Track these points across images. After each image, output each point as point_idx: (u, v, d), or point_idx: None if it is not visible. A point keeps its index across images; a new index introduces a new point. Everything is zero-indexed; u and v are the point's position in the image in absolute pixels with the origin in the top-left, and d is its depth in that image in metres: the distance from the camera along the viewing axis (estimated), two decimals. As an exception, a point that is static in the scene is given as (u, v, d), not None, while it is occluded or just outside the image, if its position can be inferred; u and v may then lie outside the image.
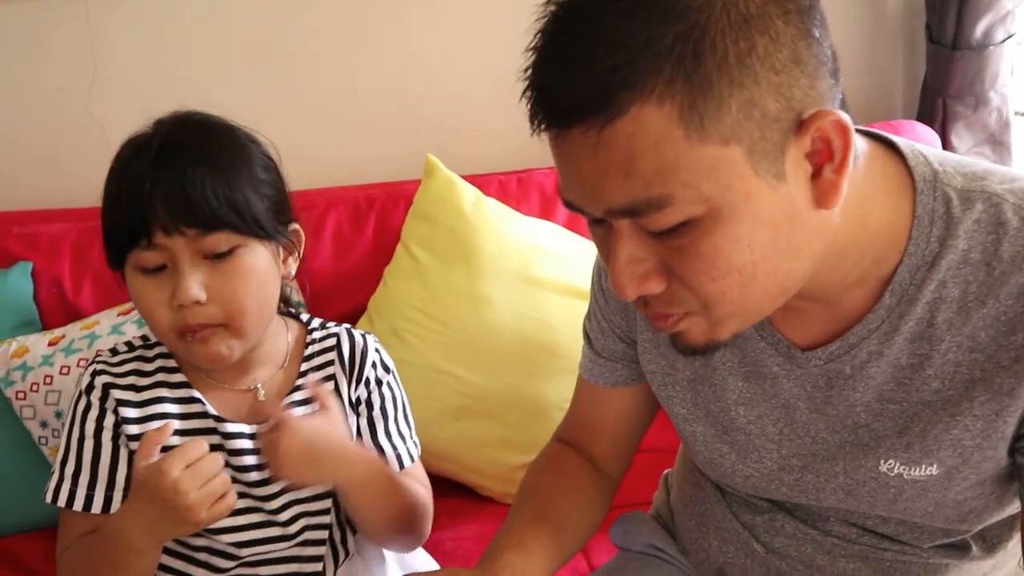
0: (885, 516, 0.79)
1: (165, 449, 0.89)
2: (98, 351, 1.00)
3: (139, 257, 0.87)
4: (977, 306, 0.67)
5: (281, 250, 0.95)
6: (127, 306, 1.44)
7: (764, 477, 0.81)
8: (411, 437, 1.06)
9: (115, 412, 0.95)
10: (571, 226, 1.59)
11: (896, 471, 0.73)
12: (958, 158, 0.72)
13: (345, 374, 1.02)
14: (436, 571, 0.77)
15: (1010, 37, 1.66)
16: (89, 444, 0.94)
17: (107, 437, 0.95)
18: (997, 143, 1.75)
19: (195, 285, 0.85)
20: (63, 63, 1.63)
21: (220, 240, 0.86)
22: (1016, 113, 1.74)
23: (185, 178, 0.84)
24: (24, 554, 1.37)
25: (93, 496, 0.93)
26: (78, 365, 1.37)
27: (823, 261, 0.66)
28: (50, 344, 1.40)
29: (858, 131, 0.66)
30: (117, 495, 0.94)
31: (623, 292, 0.63)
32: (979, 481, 0.73)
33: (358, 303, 1.51)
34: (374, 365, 1.03)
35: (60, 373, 1.37)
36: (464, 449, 1.40)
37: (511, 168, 1.68)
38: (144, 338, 1.01)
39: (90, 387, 0.96)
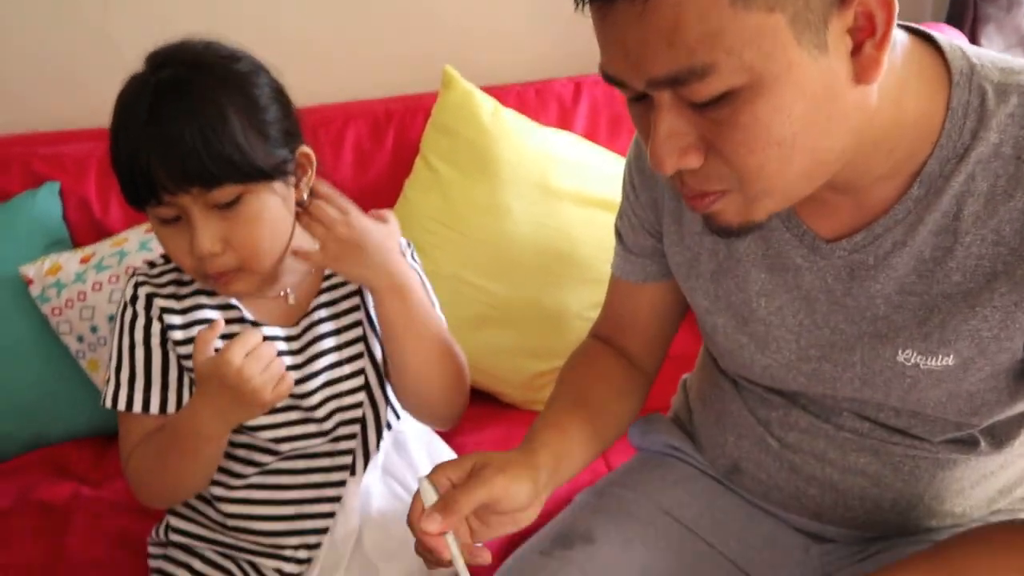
0: (898, 408, 0.81)
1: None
2: (134, 268, 1.04)
3: (154, 211, 0.89)
4: (1004, 199, 0.68)
5: (287, 180, 0.95)
6: (154, 223, 1.47)
7: (782, 367, 0.83)
8: (435, 308, 1.08)
9: (160, 319, 0.99)
10: (590, 136, 1.58)
11: (913, 361, 0.75)
12: (996, 54, 0.72)
13: None
14: (466, 456, 0.80)
15: (1046, -71, 1.60)
16: (140, 351, 0.99)
17: (155, 343, 0.99)
18: (1030, 49, 1.71)
19: (208, 238, 0.88)
20: None
21: (224, 192, 0.87)
22: (1052, 13, 1.70)
23: (178, 141, 0.84)
24: (71, 461, 1.43)
25: (150, 398, 0.98)
26: (109, 281, 1.41)
27: (858, 148, 0.67)
28: (82, 261, 1.43)
29: (897, 25, 0.65)
30: (171, 395, 0.99)
31: (662, 166, 0.64)
32: (993, 373, 0.74)
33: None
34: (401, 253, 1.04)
35: (93, 290, 1.41)
36: (485, 357, 1.43)
37: (529, 79, 1.67)
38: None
39: (134, 298, 1.00)
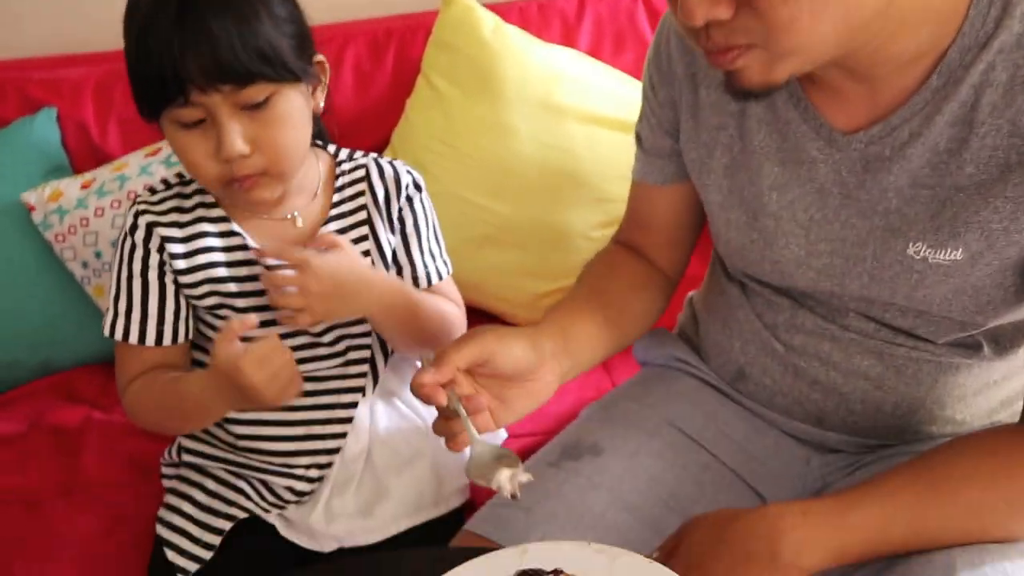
0: (904, 307, 0.80)
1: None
2: (135, 193, 1.02)
3: (176, 114, 0.87)
4: (1023, 90, 0.67)
5: (308, 85, 0.95)
6: (154, 147, 1.46)
7: (791, 263, 0.84)
8: (441, 255, 1.10)
9: (159, 251, 0.98)
10: (593, 53, 1.55)
11: (922, 255, 0.75)
12: None
13: (377, 202, 1.04)
14: (471, 330, 0.81)
15: None
16: (137, 283, 0.99)
17: (153, 276, 0.99)
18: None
19: (238, 139, 0.87)
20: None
21: (256, 91, 0.86)
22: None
23: (213, 35, 0.83)
24: (81, 386, 1.44)
25: (146, 330, 0.98)
26: (111, 206, 1.40)
27: (884, 24, 0.66)
28: (82, 187, 1.42)
29: None
30: (167, 328, 0.99)
31: (692, 15, 0.63)
32: (1000, 268, 0.74)
33: (381, 136, 1.51)
34: (407, 186, 1.05)
35: (95, 215, 1.40)
36: (489, 277, 1.43)
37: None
38: (180, 175, 1.03)
39: (134, 227, 0.99)
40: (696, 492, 0.91)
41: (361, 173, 1.06)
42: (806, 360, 0.89)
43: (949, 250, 0.74)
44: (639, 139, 0.97)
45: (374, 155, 1.08)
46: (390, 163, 1.07)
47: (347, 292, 0.96)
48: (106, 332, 1.00)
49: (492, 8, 1.50)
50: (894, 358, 0.85)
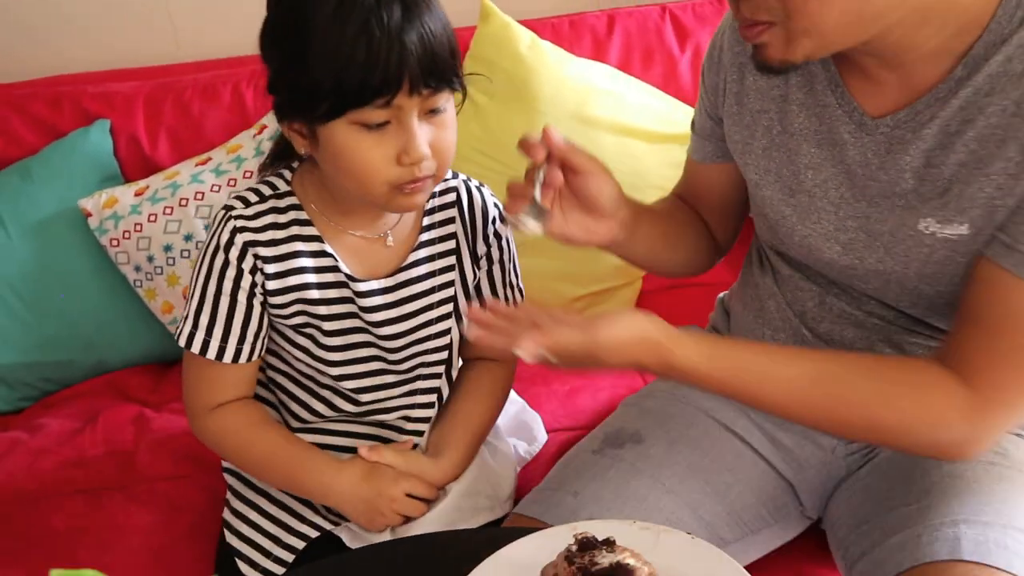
0: (917, 291, 0.86)
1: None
2: (227, 205, 0.97)
3: (365, 114, 0.85)
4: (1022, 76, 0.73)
5: None
6: (204, 156, 1.53)
7: (820, 237, 0.89)
8: (518, 283, 1.12)
9: (253, 272, 0.96)
10: (623, 67, 1.61)
11: (931, 229, 0.81)
12: None
13: (467, 232, 1.04)
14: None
15: None
16: (225, 300, 0.96)
17: (243, 296, 0.97)
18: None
19: (424, 143, 0.87)
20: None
21: (442, 97, 0.88)
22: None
23: (433, 37, 0.84)
24: (132, 386, 1.50)
25: (225, 348, 0.97)
26: (164, 212, 1.47)
27: (905, 17, 0.73)
28: (136, 195, 1.49)
29: None
30: (246, 347, 0.98)
31: None
32: None
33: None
34: (494, 220, 1.06)
35: (148, 221, 1.47)
36: (527, 282, 1.46)
37: (561, 12, 1.70)
38: (271, 185, 0.99)
39: (229, 244, 0.95)
40: (731, 478, 0.96)
41: (452, 197, 1.04)
42: (832, 346, 0.94)
43: (956, 225, 0.79)
44: (693, 124, 1.06)
45: (463, 176, 1.07)
46: (478, 189, 1.07)
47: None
48: (182, 343, 0.98)
49: (526, 24, 1.57)
50: (910, 347, 0.90)
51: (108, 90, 1.61)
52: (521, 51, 1.50)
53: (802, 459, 0.99)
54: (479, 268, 1.07)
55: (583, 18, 1.66)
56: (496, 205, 1.07)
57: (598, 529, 0.73)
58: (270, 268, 0.96)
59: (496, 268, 1.08)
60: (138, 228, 1.47)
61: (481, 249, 1.06)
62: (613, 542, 0.70)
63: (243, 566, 1.03)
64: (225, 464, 1.13)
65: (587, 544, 0.70)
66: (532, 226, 0.91)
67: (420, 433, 1.07)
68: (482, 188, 1.08)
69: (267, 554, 1.03)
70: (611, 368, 0.83)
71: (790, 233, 0.92)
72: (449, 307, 1.04)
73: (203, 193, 1.47)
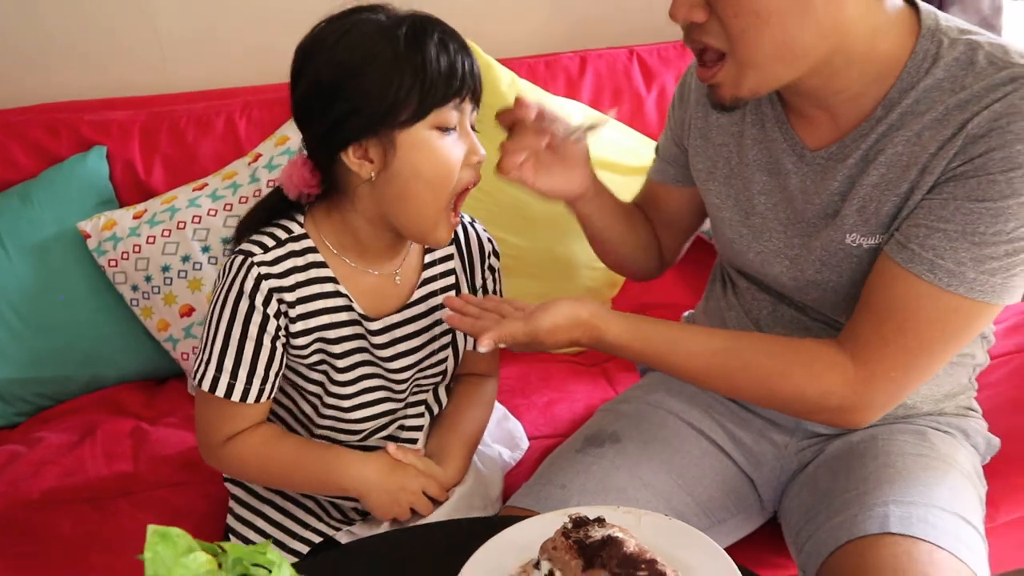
0: (853, 299, 0.98)
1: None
2: (246, 252, 1.00)
3: (443, 115, 0.94)
4: (930, 113, 0.88)
5: None
6: (201, 182, 1.61)
7: (771, 253, 1.02)
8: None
9: (278, 316, 1.00)
10: (594, 104, 1.74)
11: (857, 242, 0.95)
12: (961, 21, 0.92)
13: (465, 267, 1.13)
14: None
15: (1002, -79, 1.78)
16: (250, 345, 1.00)
17: (268, 340, 1.00)
18: (989, 26, 1.88)
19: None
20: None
21: (475, 112, 1.01)
22: (1008, -2, 1.88)
23: (471, 58, 0.97)
24: (126, 401, 1.56)
25: (250, 389, 1.01)
26: (162, 235, 1.54)
27: (829, 61, 0.88)
28: (135, 218, 1.57)
29: None
30: (268, 387, 1.02)
31: (677, 13, 0.87)
32: None
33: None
34: (489, 255, 1.16)
35: (147, 243, 1.54)
36: None
37: (537, 53, 1.82)
38: (285, 228, 1.02)
39: (255, 291, 0.98)
40: (698, 473, 1.08)
41: None
42: None
43: (876, 236, 0.93)
44: (657, 149, 1.22)
45: (461, 215, 1.12)
46: (471, 225, 1.15)
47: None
48: (206, 387, 1.00)
49: (506, 63, 1.69)
50: None
51: (105, 118, 1.67)
52: (502, 89, 1.61)
53: (759, 455, 1.11)
54: (479, 288, 1.16)
55: (558, 59, 1.79)
56: (490, 240, 1.16)
57: (587, 513, 0.82)
58: (293, 312, 1.01)
59: (492, 286, 1.18)
60: (136, 249, 1.54)
61: (479, 282, 1.15)
62: (603, 519, 0.80)
63: None
64: (226, 474, 1.19)
65: (581, 522, 0.80)
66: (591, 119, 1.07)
67: (414, 441, 1.15)
68: (475, 223, 1.16)
69: None
70: (555, 347, 0.97)
71: (746, 251, 1.05)
72: (448, 337, 1.13)
73: (200, 217, 1.55)
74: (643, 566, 0.73)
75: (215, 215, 1.55)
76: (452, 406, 1.19)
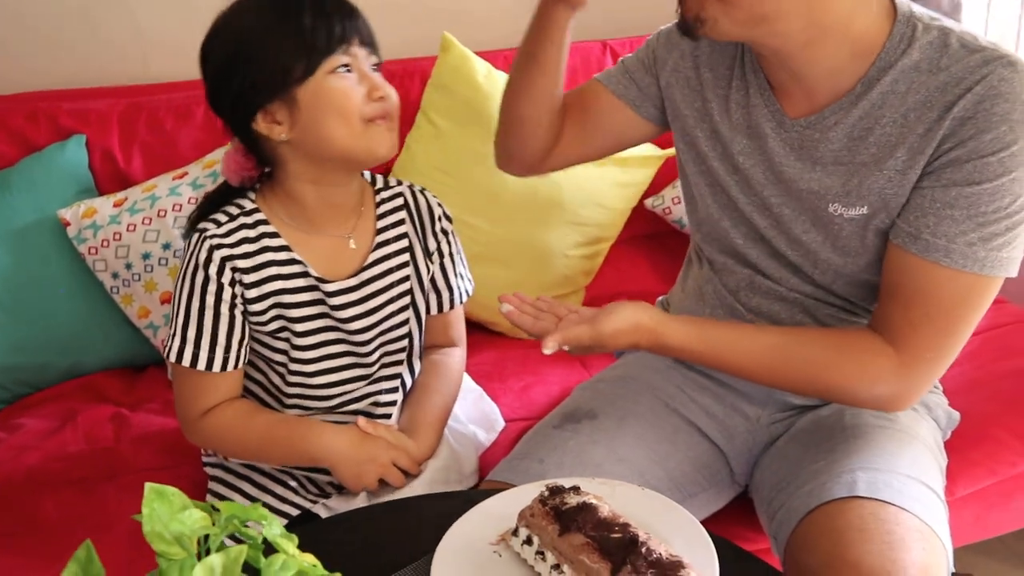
0: (830, 261, 1.04)
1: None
2: (202, 228, 1.08)
3: (334, 60, 1.02)
4: (913, 95, 0.94)
5: None
6: (181, 171, 1.62)
7: (754, 207, 1.07)
8: (467, 274, 1.27)
9: (232, 284, 1.07)
10: (569, 96, 1.78)
11: (839, 212, 1.00)
12: (933, 12, 0.99)
13: (417, 231, 1.19)
14: None
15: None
16: (209, 314, 1.07)
17: (225, 308, 1.07)
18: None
19: (383, 82, 1.06)
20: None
21: (374, 56, 1.07)
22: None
23: (358, 13, 1.05)
24: (106, 388, 1.58)
25: (214, 358, 1.08)
26: (143, 223, 1.55)
27: (807, 35, 0.93)
28: (115, 206, 1.58)
29: None
30: (232, 356, 1.09)
31: None
32: (888, 226, 0.99)
33: (384, 167, 1.69)
34: (440, 218, 1.21)
35: (127, 231, 1.55)
36: (480, 291, 1.58)
37: (513, 45, 1.85)
38: (237, 206, 1.10)
39: (208, 261, 1.06)
40: (671, 448, 1.12)
41: (400, 201, 1.18)
42: (762, 318, 1.11)
43: (857, 208, 0.99)
44: (623, 63, 1.20)
45: (406, 183, 1.21)
46: (421, 192, 1.21)
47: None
48: (172, 358, 1.07)
49: (482, 55, 1.72)
50: (825, 316, 1.09)
51: (84, 107, 1.69)
52: (478, 80, 1.64)
53: (732, 428, 1.15)
54: (432, 263, 1.21)
55: (532, 51, 1.81)
56: (439, 204, 1.22)
57: (563, 483, 0.85)
58: (247, 278, 1.08)
59: (447, 261, 1.23)
60: (117, 237, 1.55)
61: (432, 245, 1.20)
62: (579, 488, 0.84)
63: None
64: (205, 458, 1.23)
65: (557, 490, 0.83)
66: None
67: (388, 416, 1.19)
68: (425, 192, 1.22)
69: None
70: (615, 350, 1.01)
71: (734, 203, 1.09)
72: (407, 299, 1.18)
73: (181, 205, 1.56)
74: (616, 528, 0.77)
75: (195, 203, 1.55)
76: (421, 380, 1.24)
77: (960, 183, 0.91)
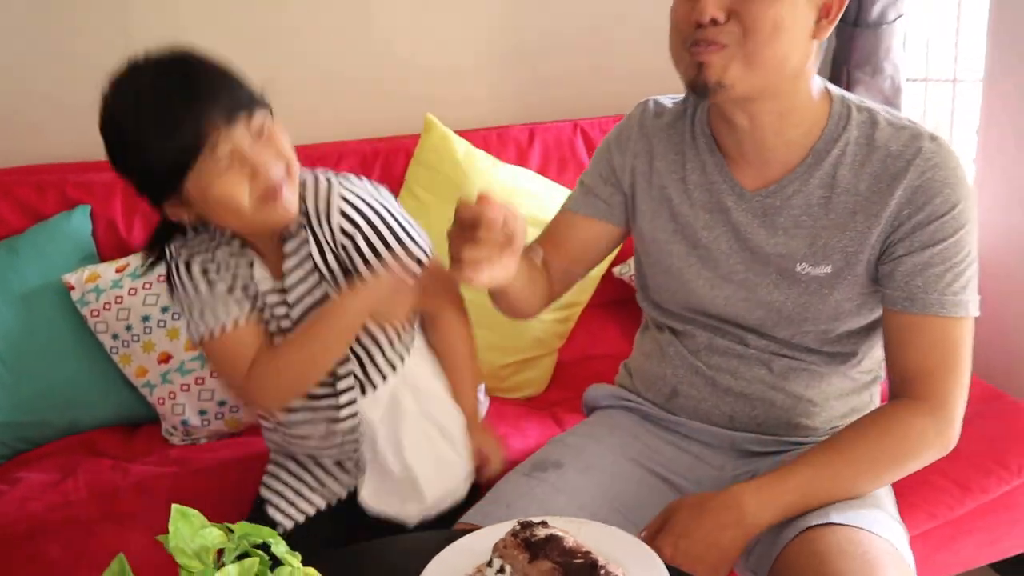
0: (791, 317, 1.15)
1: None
2: (163, 276, 1.21)
3: (207, 158, 1.01)
4: (859, 168, 1.09)
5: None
6: (180, 239, 1.73)
7: (719, 278, 1.18)
8: (405, 242, 1.21)
9: (204, 273, 1.16)
10: (542, 172, 1.92)
11: (806, 270, 1.13)
12: (857, 97, 1.15)
13: (312, 224, 1.16)
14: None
15: (900, 17, 2.02)
16: (203, 284, 1.16)
17: (203, 279, 1.17)
18: (891, 105, 2.11)
19: (263, 159, 1.05)
20: (98, 39, 1.88)
21: (257, 119, 1.05)
22: (907, 80, 2.11)
23: (219, 91, 1.04)
24: (103, 444, 1.65)
25: (221, 317, 1.16)
26: (143, 287, 1.66)
27: (786, 100, 1.08)
28: (117, 271, 1.68)
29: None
30: (233, 308, 1.16)
31: (704, 11, 1.00)
32: (852, 283, 1.12)
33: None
34: (340, 214, 1.16)
35: (128, 294, 1.66)
36: None
37: (490, 125, 2.00)
38: (202, 228, 1.17)
39: (176, 259, 1.17)
40: (635, 499, 1.20)
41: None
42: (721, 375, 1.22)
43: (823, 266, 1.12)
44: (581, 183, 1.29)
45: (317, 172, 1.19)
46: (327, 179, 1.17)
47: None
48: (196, 340, 1.18)
49: (462, 135, 1.86)
50: (781, 368, 1.19)
51: (88, 179, 1.79)
52: (458, 157, 1.78)
53: (695, 479, 1.24)
54: (339, 248, 1.17)
55: (508, 131, 1.97)
56: (344, 197, 1.16)
57: (534, 519, 0.95)
58: (213, 275, 1.17)
59: (363, 244, 1.17)
60: (119, 300, 1.65)
61: (326, 234, 1.17)
62: (547, 523, 0.94)
63: (271, 511, 1.28)
64: (266, 433, 1.35)
65: (527, 524, 0.93)
66: None
67: (353, 402, 1.23)
68: (331, 180, 1.18)
69: (291, 503, 1.29)
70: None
71: (695, 278, 1.20)
72: (322, 289, 1.19)
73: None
74: (579, 556, 0.87)
75: (193, 269, 1.67)
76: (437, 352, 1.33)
77: (929, 244, 1.05)
